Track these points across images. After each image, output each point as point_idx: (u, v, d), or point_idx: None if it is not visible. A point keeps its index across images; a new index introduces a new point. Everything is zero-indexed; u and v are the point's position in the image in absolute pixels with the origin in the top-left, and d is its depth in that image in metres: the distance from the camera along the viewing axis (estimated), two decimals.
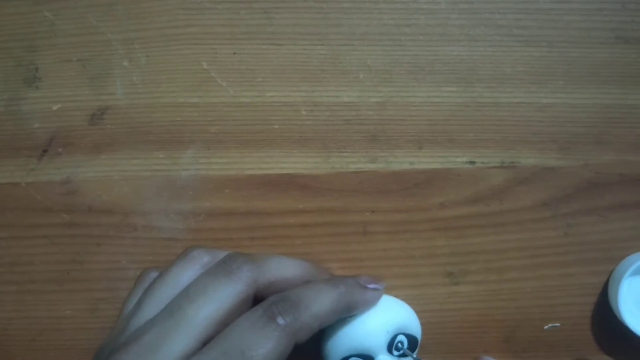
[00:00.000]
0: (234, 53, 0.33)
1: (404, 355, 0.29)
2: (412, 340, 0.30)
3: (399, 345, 0.29)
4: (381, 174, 0.33)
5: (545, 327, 0.33)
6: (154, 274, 0.29)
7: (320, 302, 0.27)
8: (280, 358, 0.25)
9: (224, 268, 0.26)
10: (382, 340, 0.29)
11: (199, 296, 0.25)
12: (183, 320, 0.25)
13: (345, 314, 0.28)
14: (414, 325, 0.31)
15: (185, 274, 0.27)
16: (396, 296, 0.33)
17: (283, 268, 0.28)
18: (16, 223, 0.33)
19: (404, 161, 0.33)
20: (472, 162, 0.33)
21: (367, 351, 0.29)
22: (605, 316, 0.33)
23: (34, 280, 0.33)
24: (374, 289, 0.30)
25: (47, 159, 0.33)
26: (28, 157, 0.33)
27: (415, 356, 0.29)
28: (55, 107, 0.33)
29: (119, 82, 0.33)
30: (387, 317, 0.29)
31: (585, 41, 0.33)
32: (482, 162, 0.33)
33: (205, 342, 0.25)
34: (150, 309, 0.26)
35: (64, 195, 0.33)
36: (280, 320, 0.25)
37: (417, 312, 0.33)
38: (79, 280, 0.33)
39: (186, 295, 0.26)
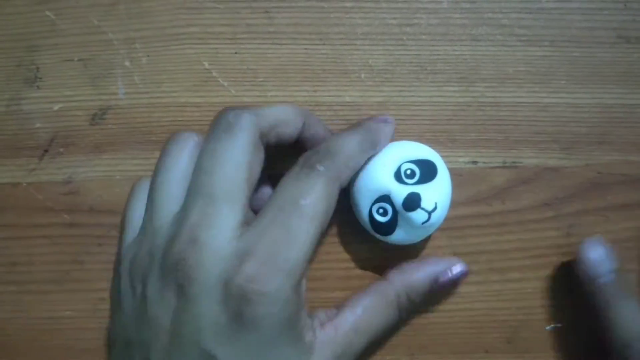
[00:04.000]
0: (235, 53, 0.33)
1: (420, 182, 0.29)
2: (424, 165, 0.29)
3: (408, 172, 0.29)
4: None
5: (548, 327, 0.33)
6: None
7: (348, 145, 0.28)
8: (330, 202, 0.26)
9: (222, 126, 0.26)
10: (385, 175, 0.29)
11: (214, 166, 0.25)
12: (214, 195, 0.24)
13: (371, 152, 0.29)
14: (419, 152, 0.30)
15: (182, 158, 0.26)
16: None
17: (278, 112, 0.27)
18: (16, 223, 0.33)
19: None
20: (474, 162, 0.33)
21: (381, 191, 0.29)
22: None
23: (34, 280, 0.33)
24: (389, 122, 0.30)
25: (48, 158, 0.33)
26: (29, 157, 0.33)
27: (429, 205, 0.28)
28: (56, 107, 0.33)
29: (120, 82, 0.33)
30: (383, 154, 0.30)
31: (587, 41, 0.33)
32: (484, 162, 0.33)
33: (248, 200, 0.25)
34: (168, 204, 0.26)
35: (65, 195, 0.33)
36: (319, 167, 0.26)
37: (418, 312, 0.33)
38: (80, 280, 0.33)
39: (201, 170, 0.25)
